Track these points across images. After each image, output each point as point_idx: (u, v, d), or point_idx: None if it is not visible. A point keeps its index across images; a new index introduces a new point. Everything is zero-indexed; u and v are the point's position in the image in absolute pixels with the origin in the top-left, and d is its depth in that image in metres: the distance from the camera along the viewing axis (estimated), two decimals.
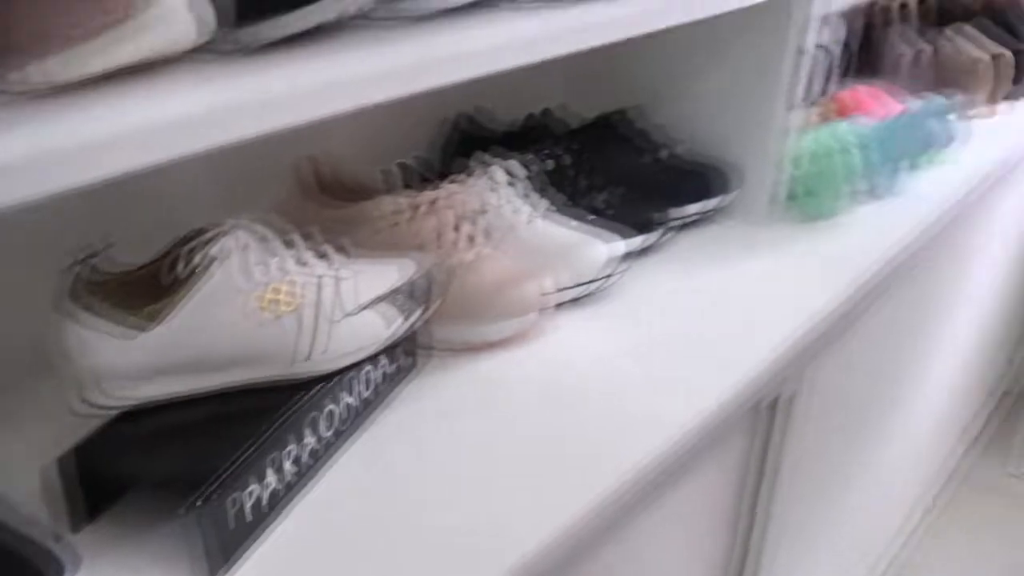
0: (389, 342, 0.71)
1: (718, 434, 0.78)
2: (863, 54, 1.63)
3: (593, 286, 0.90)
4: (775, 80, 1.00)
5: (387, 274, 0.72)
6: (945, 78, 1.53)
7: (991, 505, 2.02)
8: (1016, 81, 1.45)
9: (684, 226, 1.05)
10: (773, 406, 0.93)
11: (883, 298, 1.10)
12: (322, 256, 0.70)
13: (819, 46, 1.46)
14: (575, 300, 0.89)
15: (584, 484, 0.66)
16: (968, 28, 1.56)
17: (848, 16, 1.59)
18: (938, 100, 1.19)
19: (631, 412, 0.74)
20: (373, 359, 0.71)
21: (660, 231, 1.00)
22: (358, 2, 0.56)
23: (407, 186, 0.89)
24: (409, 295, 0.73)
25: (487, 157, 0.92)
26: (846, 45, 1.65)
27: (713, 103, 1.07)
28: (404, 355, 0.77)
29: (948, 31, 1.59)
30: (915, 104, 1.12)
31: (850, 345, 1.06)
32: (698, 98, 1.08)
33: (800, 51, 0.98)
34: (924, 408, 1.60)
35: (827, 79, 1.46)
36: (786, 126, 1.02)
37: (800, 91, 1.31)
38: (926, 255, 1.17)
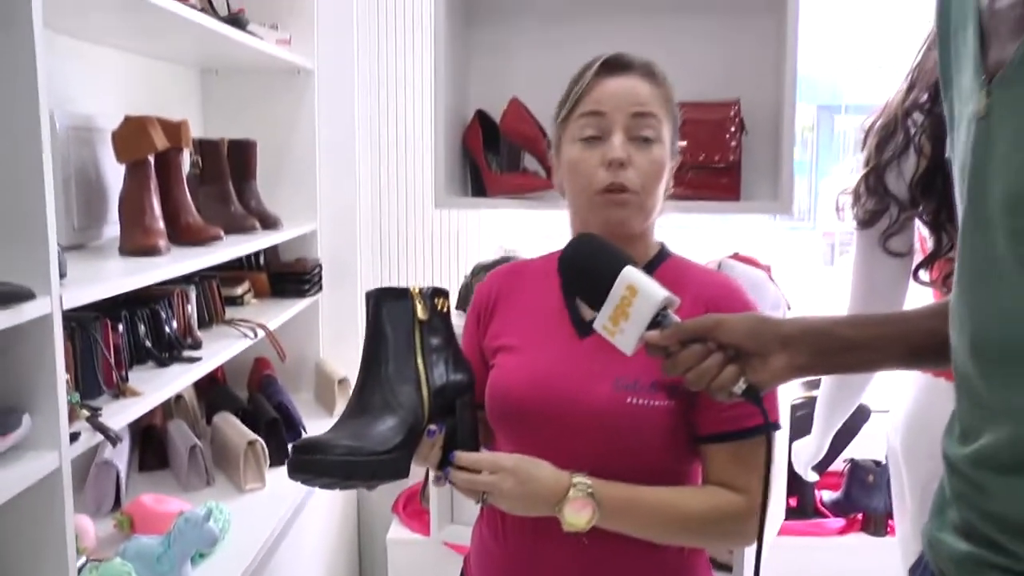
0: None
1: None
2: (149, 452, 1.87)
3: None
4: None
5: None
6: (220, 462, 1.86)
7: None
8: (274, 457, 1.84)
9: None
10: None
11: None
12: None
13: (105, 462, 1.66)
14: None
15: None
16: (230, 417, 1.92)
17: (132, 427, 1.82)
18: (209, 503, 1.47)
19: None
20: None
21: None
22: None
23: None
24: None
25: None
26: (136, 442, 1.88)
27: None
28: None
29: (216, 419, 1.93)
30: (191, 512, 1.38)
31: None
32: None
33: None
34: None
35: (117, 491, 1.66)
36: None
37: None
38: None
